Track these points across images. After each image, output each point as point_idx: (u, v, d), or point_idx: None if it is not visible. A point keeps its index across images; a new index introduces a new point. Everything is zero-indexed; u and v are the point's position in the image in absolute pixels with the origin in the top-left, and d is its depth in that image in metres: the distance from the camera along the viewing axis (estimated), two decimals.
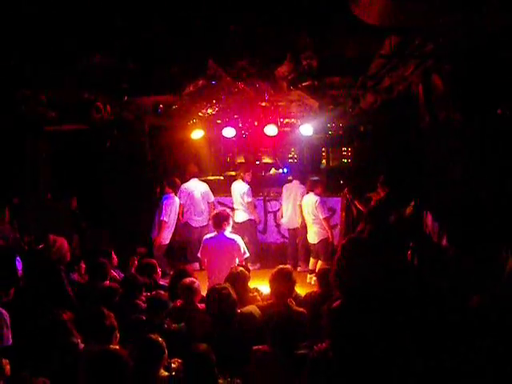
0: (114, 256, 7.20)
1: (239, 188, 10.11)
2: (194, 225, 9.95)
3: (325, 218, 9.04)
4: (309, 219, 9.24)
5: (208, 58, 5.87)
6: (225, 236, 6.86)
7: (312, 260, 9.36)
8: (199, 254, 7.07)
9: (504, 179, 3.97)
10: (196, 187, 10.03)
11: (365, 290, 2.82)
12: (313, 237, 9.24)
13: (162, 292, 6.02)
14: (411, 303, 2.83)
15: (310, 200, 9.16)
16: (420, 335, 2.82)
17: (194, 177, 10.19)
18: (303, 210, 9.42)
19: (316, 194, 9.17)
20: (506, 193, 3.91)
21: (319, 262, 9.06)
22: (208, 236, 7.10)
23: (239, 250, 6.80)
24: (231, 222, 7.11)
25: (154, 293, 5.94)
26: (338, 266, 2.92)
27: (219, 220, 6.90)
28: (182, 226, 9.93)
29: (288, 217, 10.20)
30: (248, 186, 10.06)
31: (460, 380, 2.83)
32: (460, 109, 4.39)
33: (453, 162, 5.12)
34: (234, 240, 6.86)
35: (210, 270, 6.95)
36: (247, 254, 6.96)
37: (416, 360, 2.76)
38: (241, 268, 5.91)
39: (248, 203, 10.04)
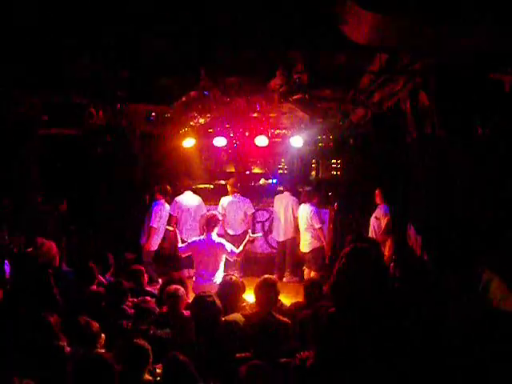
0: (112, 262, 7.30)
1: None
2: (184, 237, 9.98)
3: (320, 228, 9.16)
4: (302, 229, 9.34)
5: (200, 69, 5.95)
6: (212, 239, 7.05)
7: (306, 270, 9.44)
8: (181, 250, 7.28)
9: (484, 194, 4.08)
10: (190, 201, 9.97)
11: (363, 299, 2.86)
12: (305, 246, 9.34)
13: (149, 298, 6.09)
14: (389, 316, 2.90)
15: (305, 210, 9.28)
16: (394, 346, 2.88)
17: (188, 190, 10.14)
18: (298, 220, 9.52)
19: (312, 205, 9.28)
20: (486, 207, 4.01)
21: (312, 273, 9.15)
22: (196, 238, 7.31)
23: (226, 250, 7.08)
24: (219, 226, 7.45)
25: (140, 299, 6.00)
26: (339, 273, 2.95)
27: (209, 222, 7.17)
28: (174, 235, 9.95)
29: (279, 228, 10.27)
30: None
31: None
32: (444, 125, 4.51)
33: (434, 177, 5.24)
34: (220, 243, 7.13)
35: (197, 270, 7.22)
36: (237, 250, 7.15)
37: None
38: (235, 277, 6.00)
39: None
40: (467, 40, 3.59)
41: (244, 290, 6.28)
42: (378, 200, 8.50)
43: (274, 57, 5.57)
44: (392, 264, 6.44)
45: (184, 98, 7.29)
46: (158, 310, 5.98)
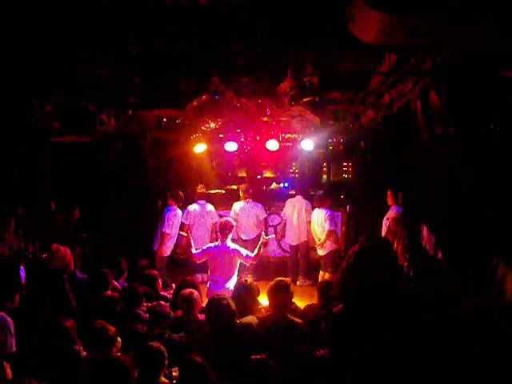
0: (125, 267, 7.34)
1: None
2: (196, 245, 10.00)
3: (331, 231, 9.18)
4: (318, 232, 9.35)
5: (212, 74, 5.98)
6: (226, 246, 7.09)
7: (321, 273, 9.45)
8: (196, 256, 7.29)
9: (496, 192, 4.07)
10: (204, 210, 10.01)
11: (371, 297, 2.87)
12: (322, 249, 9.34)
13: (163, 303, 6.12)
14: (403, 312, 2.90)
15: (320, 213, 9.30)
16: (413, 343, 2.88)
17: (202, 199, 10.15)
18: (312, 223, 9.53)
19: (326, 208, 9.30)
20: (499, 204, 4.00)
21: (326, 275, 9.16)
22: (211, 244, 7.37)
23: (241, 255, 7.12)
24: (233, 232, 7.52)
25: (155, 303, 6.04)
26: (347, 271, 2.96)
27: (224, 229, 7.23)
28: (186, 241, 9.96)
29: (292, 231, 10.29)
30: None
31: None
32: (454, 124, 4.50)
33: (447, 176, 5.23)
34: (235, 249, 7.17)
35: (212, 276, 7.26)
36: (253, 254, 7.17)
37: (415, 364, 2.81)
38: (250, 280, 6.03)
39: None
40: (469, 40, 3.60)
41: (259, 293, 6.32)
42: (389, 201, 8.50)
43: (284, 58, 5.58)
44: (406, 264, 6.43)
45: (195, 103, 7.32)
46: (172, 313, 6.02)
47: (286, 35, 4.59)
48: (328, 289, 5.97)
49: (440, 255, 5.05)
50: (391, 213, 8.36)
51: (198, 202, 10.04)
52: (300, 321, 5.20)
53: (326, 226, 9.11)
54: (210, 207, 10.12)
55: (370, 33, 3.45)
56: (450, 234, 4.87)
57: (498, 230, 3.90)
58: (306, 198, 10.26)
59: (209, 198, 10.40)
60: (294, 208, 10.19)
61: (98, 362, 3.98)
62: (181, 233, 9.09)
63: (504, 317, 3.14)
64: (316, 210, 9.51)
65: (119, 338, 4.79)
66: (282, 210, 10.60)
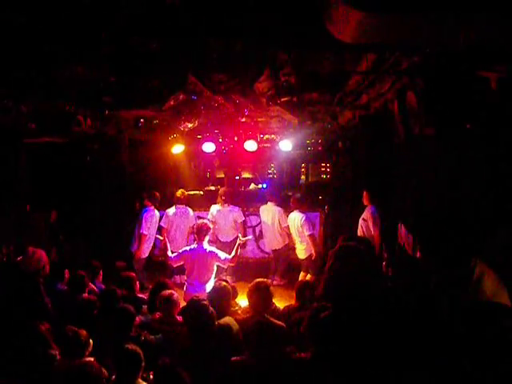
0: (100, 268, 7.27)
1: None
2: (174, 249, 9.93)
3: (310, 235, 9.09)
4: (296, 236, 9.32)
5: (188, 72, 5.93)
6: (203, 248, 7.04)
7: (302, 274, 9.41)
8: (172, 259, 7.26)
9: (475, 190, 4.10)
10: (181, 213, 9.92)
11: (356, 296, 2.87)
12: (301, 252, 9.31)
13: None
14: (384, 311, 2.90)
15: (296, 218, 9.23)
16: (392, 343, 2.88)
17: (182, 203, 9.99)
18: (290, 227, 9.50)
19: (301, 212, 9.25)
20: (477, 204, 4.03)
21: (308, 276, 9.15)
22: (187, 247, 7.29)
23: (218, 258, 7.07)
24: (210, 234, 7.52)
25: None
26: (330, 273, 2.95)
27: (200, 231, 7.19)
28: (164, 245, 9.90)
29: (269, 238, 10.25)
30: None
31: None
32: (432, 124, 4.53)
33: (425, 175, 5.26)
34: (212, 252, 7.12)
35: (189, 279, 7.22)
36: (230, 256, 7.13)
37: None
38: (224, 283, 5.98)
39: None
40: (447, 38, 3.61)
41: (236, 295, 6.29)
42: (365, 201, 8.54)
43: (262, 57, 5.56)
44: (384, 263, 6.45)
45: (172, 102, 7.26)
46: (149, 315, 5.96)
47: (265, 33, 4.56)
48: (305, 289, 5.96)
49: (419, 254, 5.08)
50: (367, 213, 8.40)
51: (178, 206, 9.95)
52: (280, 322, 5.18)
53: (305, 231, 9.05)
54: (189, 212, 10.04)
55: (347, 31, 3.45)
56: (428, 234, 4.90)
57: (476, 229, 3.93)
58: (278, 204, 10.07)
59: (188, 201, 10.30)
60: (267, 215, 10.10)
61: (70, 367, 3.93)
62: (157, 236, 9.00)
63: (482, 316, 3.16)
64: (292, 213, 9.44)
65: (91, 342, 4.73)
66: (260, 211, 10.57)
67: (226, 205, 10.10)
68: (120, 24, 4.54)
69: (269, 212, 10.07)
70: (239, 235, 7.76)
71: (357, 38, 3.50)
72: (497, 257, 3.60)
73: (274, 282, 9.83)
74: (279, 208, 9.97)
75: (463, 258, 3.97)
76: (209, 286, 6.89)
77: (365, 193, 8.54)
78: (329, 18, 3.57)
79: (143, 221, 9.18)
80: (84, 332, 4.67)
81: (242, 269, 10.00)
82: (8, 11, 4.41)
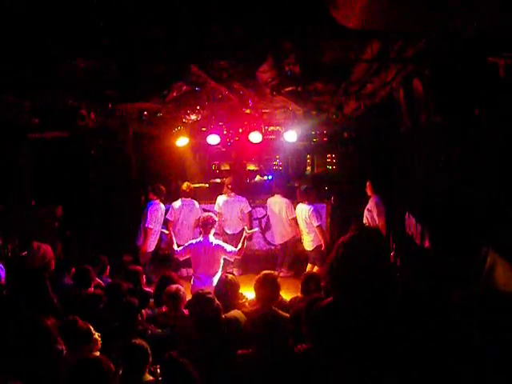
0: (107, 262, 7.26)
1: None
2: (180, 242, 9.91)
3: (318, 226, 9.06)
4: (303, 228, 9.28)
5: (190, 60, 5.85)
6: (209, 241, 7.01)
7: (309, 266, 9.39)
8: (178, 253, 7.25)
9: (485, 178, 4.03)
10: (187, 206, 9.92)
11: (363, 284, 2.81)
12: (308, 244, 9.27)
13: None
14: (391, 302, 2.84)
15: (304, 209, 9.19)
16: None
17: (188, 196, 10.01)
18: (298, 219, 9.46)
19: (309, 203, 9.20)
20: (488, 191, 3.96)
21: (315, 268, 9.12)
22: (193, 241, 7.26)
23: (224, 251, 7.07)
24: (216, 227, 7.48)
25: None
26: (337, 262, 2.89)
27: (206, 224, 7.17)
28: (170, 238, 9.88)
29: (278, 230, 10.23)
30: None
31: (449, 375, 2.86)
32: (440, 111, 4.45)
33: (433, 164, 5.20)
34: (218, 245, 7.12)
35: (195, 273, 7.23)
36: (236, 249, 7.11)
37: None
38: (230, 275, 5.95)
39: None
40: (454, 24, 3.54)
41: (239, 286, 6.21)
42: (369, 192, 8.50)
43: (265, 46, 5.48)
44: (392, 253, 6.40)
45: (175, 93, 7.18)
46: (156, 310, 5.95)
47: (267, 21, 4.49)
48: (311, 281, 5.93)
49: (427, 243, 5.02)
50: (371, 203, 8.36)
51: (183, 199, 9.92)
52: (287, 314, 5.15)
53: (313, 223, 9.01)
54: (195, 205, 10.01)
55: (352, 17, 3.37)
56: (437, 223, 4.83)
57: (487, 217, 3.86)
58: (285, 195, 10.08)
59: (193, 194, 10.27)
60: (274, 208, 10.09)
61: (77, 362, 3.90)
62: (162, 230, 8.98)
63: (495, 307, 3.11)
64: (300, 205, 9.41)
65: (99, 338, 4.70)
66: (266, 203, 10.52)
67: (233, 194, 10.09)
68: (117, 13, 4.48)
69: (277, 204, 10.04)
70: (245, 228, 7.72)
71: (362, 23, 3.43)
72: (509, 245, 3.53)
73: (281, 274, 9.80)
74: (286, 199, 9.94)
75: (474, 247, 3.91)
76: (216, 279, 6.84)
77: (368, 183, 8.50)
78: (333, 4, 3.49)
79: (148, 214, 9.15)
80: (88, 325, 4.65)
81: (249, 261, 9.98)
82: (7, 6, 4.36)
